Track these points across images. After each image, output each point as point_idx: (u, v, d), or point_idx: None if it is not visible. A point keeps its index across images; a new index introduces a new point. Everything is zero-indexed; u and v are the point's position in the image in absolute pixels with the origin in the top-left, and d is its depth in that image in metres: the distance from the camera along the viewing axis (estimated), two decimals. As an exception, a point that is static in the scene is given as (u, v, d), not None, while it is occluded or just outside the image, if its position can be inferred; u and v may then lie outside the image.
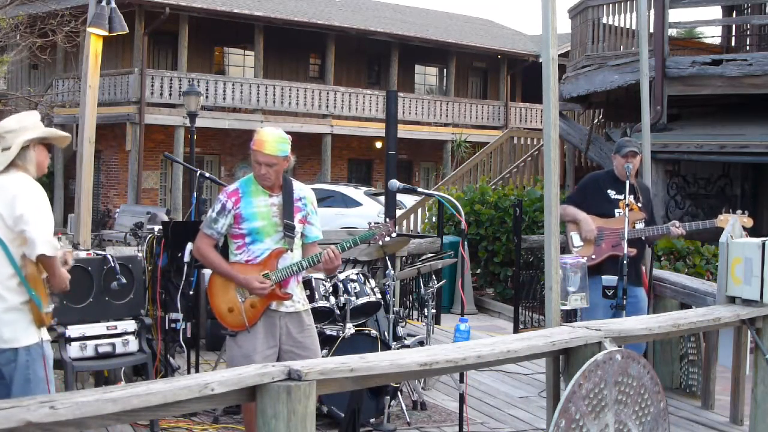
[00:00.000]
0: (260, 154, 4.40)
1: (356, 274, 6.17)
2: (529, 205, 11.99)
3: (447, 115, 28.40)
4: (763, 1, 12.90)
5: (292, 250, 4.49)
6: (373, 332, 5.81)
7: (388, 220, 4.72)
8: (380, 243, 4.71)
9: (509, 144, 18.89)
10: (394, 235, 4.70)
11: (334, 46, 26.40)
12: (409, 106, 27.40)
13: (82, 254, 5.54)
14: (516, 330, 9.58)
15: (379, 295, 6.17)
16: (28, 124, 3.91)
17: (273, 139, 4.39)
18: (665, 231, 6.03)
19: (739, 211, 5.88)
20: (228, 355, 4.55)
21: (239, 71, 27.25)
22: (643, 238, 6.03)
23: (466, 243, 7.83)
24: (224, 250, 4.60)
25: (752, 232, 5.88)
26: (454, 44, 28.85)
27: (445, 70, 30.59)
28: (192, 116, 18.08)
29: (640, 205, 6.05)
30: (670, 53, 10.84)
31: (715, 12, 19.49)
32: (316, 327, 4.80)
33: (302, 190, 4.60)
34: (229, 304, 4.45)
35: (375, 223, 4.69)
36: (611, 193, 6.06)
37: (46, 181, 24.79)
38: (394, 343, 6.11)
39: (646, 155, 6.84)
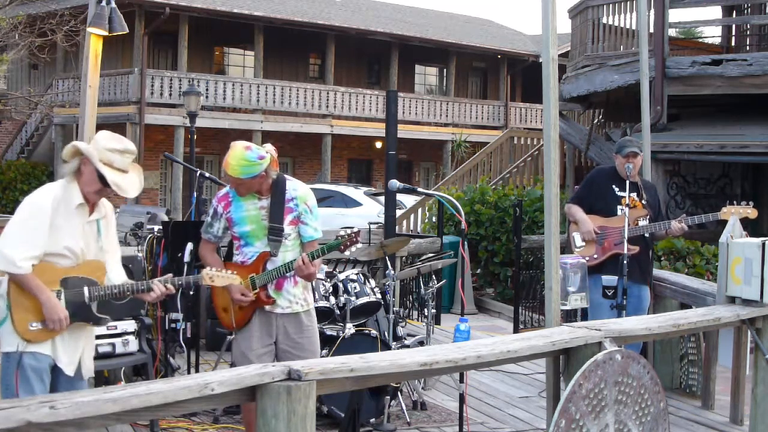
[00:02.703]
0: (228, 176, 4.38)
1: (356, 274, 6.17)
2: (529, 205, 12.00)
3: (447, 115, 28.40)
4: (763, 1, 12.90)
5: (275, 255, 4.46)
6: (373, 332, 5.81)
7: (352, 230, 4.64)
8: (347, 253, 4.67)
9: (509, 144, 18.90)
10: (359, 245, 4.67)
11: (334, 46, 26.41)
12: (409, 106, 27.40)
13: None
14: (516, 330, 9.58)
15: (379, 295, 6.17)
16: (97, 138, 3.88)
17: (236, 163, 4.30)
18: (666, 226, 6.00)
19: (743, 202, 5.87)
20: (232, 351, 4.69)
21: (239, 71, 27.26)
22: (646, 235, 6.01)
23: (466, 243, 7.83)
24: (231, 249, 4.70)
25: (752, 232, 5.88)
26: (454, 44, 28.85)
27: (445, 70, 30.59)
28: (192, 116, 18.08)
29: (644, 202, 6.04)
30: (670, 53, 10.84)
31: (715, 12, 19.50)
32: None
33: (296, 189, 4.52)
34: (224, 304, 4.56)
35: (342, 234, 4.62)
36: (616, 189, 6.06)
37: (47, 181, 24.79)
38: (394, 343, 6.11)
39: (646, 155, 6.84)
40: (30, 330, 3.71)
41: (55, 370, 3.83)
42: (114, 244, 4.08)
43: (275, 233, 4.45)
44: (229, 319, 4.54)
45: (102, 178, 3.80)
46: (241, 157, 4.31)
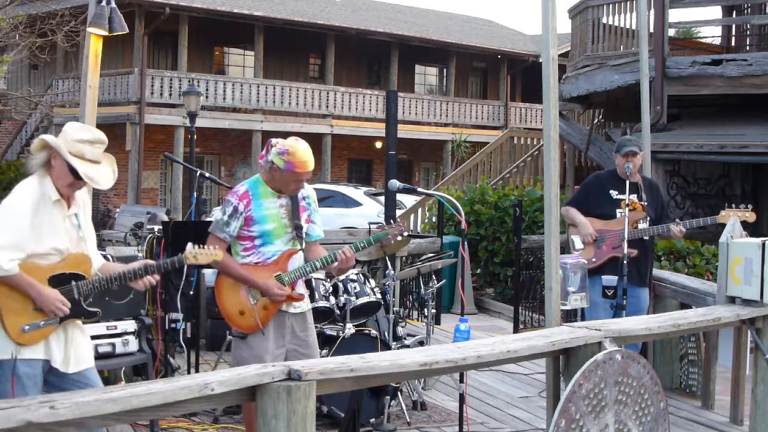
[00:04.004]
0: (304, 174, 4.38)
1: (356, 274, 6.17)
2: (529, 205, 11.99)
3: (447, 115, 28.40)
4: (763, 1, 12.91)
5: (303, 250, 4.52)
6: (373, 332, 5.81)
7: (398, 219, 4.72)
8: (393, 242, 4.73)
9: (509, 144, 18.90)
10: (405, 234, 4.73)
11: (334, 46, 26.42)
12: (409, 106, 27.40)
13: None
14: (516, 330, 9.57)
15: (379, 295, 6.17)
16: (66, 129, 3.75)
17: (311, 158, 4.39)
18: (665, 230, 6.00)
19: (742, 205, 5.86)
20: (236, 356, 4.50)
21: (239, 71, 27.26)
22: (645, 238, 6.01)
23: (466, 243, 7.82)
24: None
25: (752, 232, 5.88)
26: (454, 44, 28.86)
27: (445, 70, 30.59)
28: (192, 116, 18.07)
29: (644, 203, 6.03)
30: (670, 53, 10.84)
31: (715, 12, 19.51)
32: (316, 327, 4.81)
33: (305, 188, 4.59)
34: (239, 306, 4.41)
35: (387, 224, 4.69)
36: (613, 193, 6.04)
37: (46, 181, 24.76)
38: (394, 343, 6.11)
39: (646, 155, 6.83)
40: (23, 334, 3.62)
41: (55, 371, 3.75)
42: (91, 232, 3.97)
43: (300, 231, 4.48)
44: (252, 321, 4.39)
45: (73, 171, 3.67)
46: (309, 150, 4.40)
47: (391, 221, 4.67)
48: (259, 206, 4.42)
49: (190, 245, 4.01)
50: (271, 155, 4.38)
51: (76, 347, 3.86)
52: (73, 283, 3.77)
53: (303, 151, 4.35)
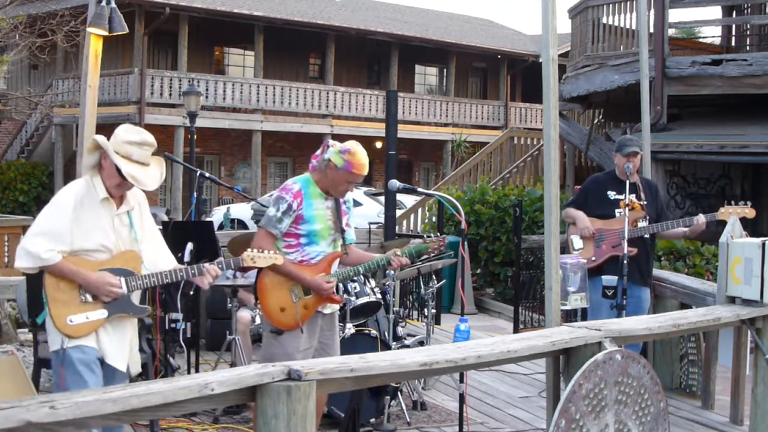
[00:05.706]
0: (359, 176, 4.48)
1: (356, 274, 6.17)
2: (529, 205, 11.97)
3: (447, 115, 28.41)
4: (763, 1, 12.91)
5: (347, 254, 4.62)
6: (373, 332, 5.81)
7: (439, 234, 4.92)
8: (431, 255, 4.85)
9: (509, 144, 18.90)
10: (443, 248, 4.85)
11: (334, 46, 26.42)
12: (409, 106, 27.41)
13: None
14: (516, 330, 9.57)
15: (379, 295, 6.17)
16: (117, 131, 3.85)
17: (367, 162, 4.49)
18: (689, 223, 5.96)
19: (741, 203, 5.86)
20: (267, 352, 4.55)
21: (239, 71, 27.26)
22: (646, 236, 6.01)
23: (466, 243, 7.81)
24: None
25: (752, 232, 5.88)
26: (454, 44, 28.87)
27: (445, 70, 30.60)
28: (192, 116, 18.08)
29: (643, 203, 6.03)
30: (670, 53, 10.84)
31: (715, 12, 19.52)
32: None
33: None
34: (281, 303, 4.46)
35: (433, 239, 4.79)
36: (611, 194, 6.05)
37: (46, 181, 24.80)
38: (394, 343, 6.11)
39: (646, 155, 6.84)
40: (68, 325, 3.71)
41: (108, 367, 3.83)
42: (151, 234, 4.05)
43: (343, 234, 4.59)
44: (292, 319, 4.45)
45: (119, 171, 3.78)
46: (365, 152, 4.49)
47: (435, 238, 4.81)
48: (310, 206, 4.48)
49: (248, 249, 4.11)
50: (328, 154, 4.45)
51: (132, 353, 3.98)
52: (122, 278, 3.83)
53: (362, 154, 4.46)
